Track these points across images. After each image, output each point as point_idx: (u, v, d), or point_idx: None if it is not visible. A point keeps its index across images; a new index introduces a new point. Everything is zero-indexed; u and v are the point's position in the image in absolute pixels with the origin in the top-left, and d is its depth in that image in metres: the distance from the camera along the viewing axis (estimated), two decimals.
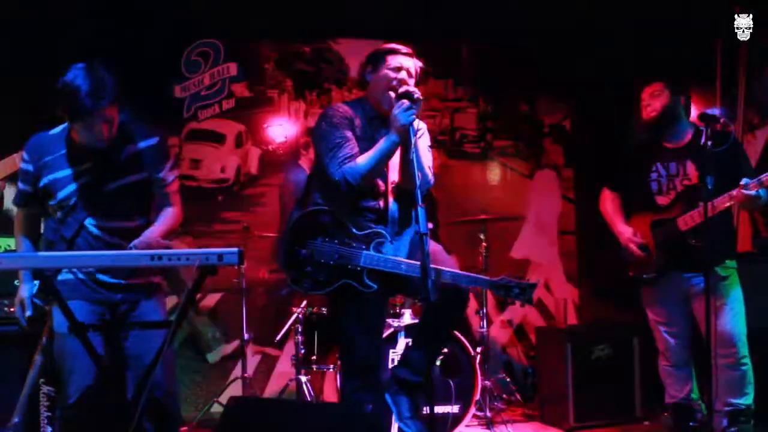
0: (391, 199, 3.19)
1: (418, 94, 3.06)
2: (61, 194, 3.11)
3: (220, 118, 5.69)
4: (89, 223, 3.11)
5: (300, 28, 5.77)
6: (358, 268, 3.07)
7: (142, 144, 3.20)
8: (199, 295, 5.33)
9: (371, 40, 5.90)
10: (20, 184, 3.21)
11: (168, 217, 3.26)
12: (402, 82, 3.16)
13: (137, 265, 2.90)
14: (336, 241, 3.10)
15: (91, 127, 2.99)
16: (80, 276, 3.12)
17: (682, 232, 3.84)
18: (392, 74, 3.19)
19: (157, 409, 3.18)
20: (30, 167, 3.15)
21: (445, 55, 6.19)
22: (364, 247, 3.10)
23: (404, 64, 3.21)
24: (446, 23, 5.74)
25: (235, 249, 2.44)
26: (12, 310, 3.79)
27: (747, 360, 3.86)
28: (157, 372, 3.15)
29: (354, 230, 3.11)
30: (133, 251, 2.90)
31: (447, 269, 3.06)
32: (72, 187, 3.10)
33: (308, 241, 3.11)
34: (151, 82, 5.41)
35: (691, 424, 4.02)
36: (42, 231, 3.29)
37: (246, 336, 5.10)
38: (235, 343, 5.48)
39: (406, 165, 3.09)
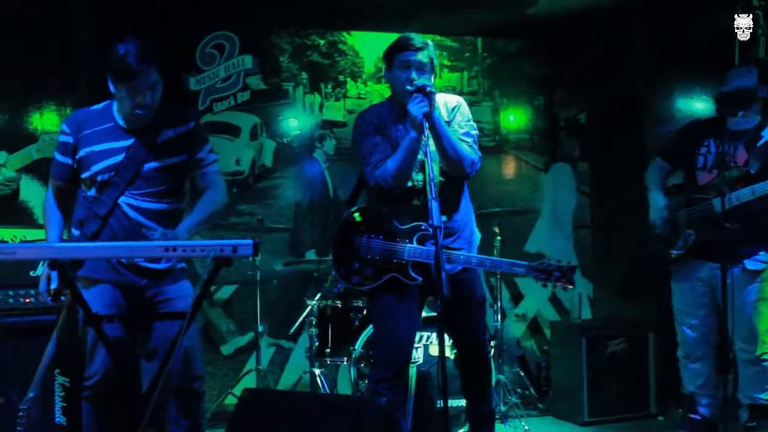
0: (432, 193, 3.22)
1: (430, 87, 3.08)
2: (96, 167, 3.11)
3: (235, 110, 5.68)
4: (123, 201, 3.11)
5: (315, 21, 5.76)
6: (403, 262, 3.17)
7: (180, 128, 3.21)
8: (213, 287, 5.34)
9: (386, 32, 5.91)
10: (59, 157, 3.21)
11: (206, 204, 3.25)
12: (409, 80, 3.17)
13: (151, 255, 2.94)
14: (381, 236, 3.23)
15: (135, 90, 3.01)
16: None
17: (717, 213, 3.79)
18: (402, 74, 3.22)
19: (195, 403, 3.23)
20: (69, 139, 3.17)
21: (460, 48, 6.18)
22: (408, 241, 3.19)
23: (413, 59, 3.21)
24: (461, 16, 5.71)
25: (250, 241, 2.44)
26: (27, 300, 3.81)
27: None
28: (197, 365, 3.22)
29: (398, 225, 3.22)
30: (147, 242, 2.89)
31: (487, 257, 3.23)
32: (107, 162, 3.11)
33: (355, 238, 3.24)
34: (166, 74, 5.40)
35: (698, 417, 3.99)
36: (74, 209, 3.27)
37: (260, 328, 5.11)
38: (250, 336, 5.49)
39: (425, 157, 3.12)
